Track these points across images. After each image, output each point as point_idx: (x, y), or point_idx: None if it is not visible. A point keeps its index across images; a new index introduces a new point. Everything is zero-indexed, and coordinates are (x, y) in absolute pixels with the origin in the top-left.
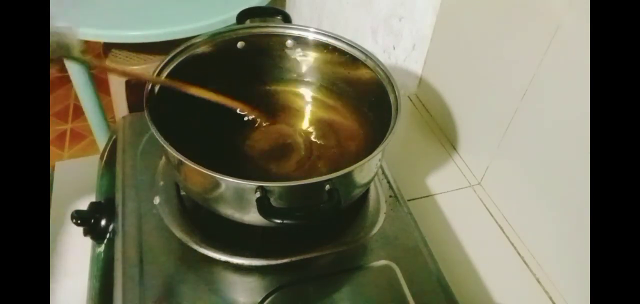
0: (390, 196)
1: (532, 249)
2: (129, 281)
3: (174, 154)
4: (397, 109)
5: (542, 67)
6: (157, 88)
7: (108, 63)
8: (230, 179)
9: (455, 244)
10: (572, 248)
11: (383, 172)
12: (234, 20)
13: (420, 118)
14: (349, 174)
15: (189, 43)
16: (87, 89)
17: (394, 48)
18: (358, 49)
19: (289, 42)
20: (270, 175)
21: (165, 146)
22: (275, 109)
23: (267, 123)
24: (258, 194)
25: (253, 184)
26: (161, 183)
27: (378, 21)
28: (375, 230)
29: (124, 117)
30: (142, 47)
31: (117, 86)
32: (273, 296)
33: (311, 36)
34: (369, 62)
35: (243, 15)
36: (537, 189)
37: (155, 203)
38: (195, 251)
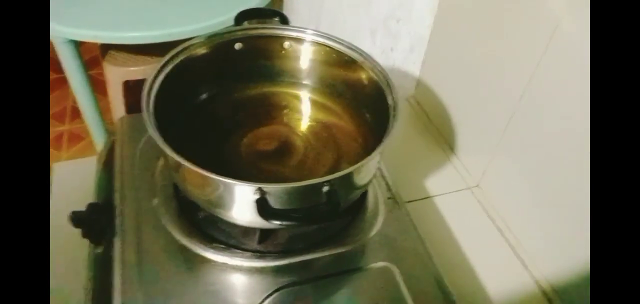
0: (389, 198)
1: (530, 251)
2: (128, 282)
3: (172, 155)
4: (394, 111)
5: (540, 68)
6: (155, 89)
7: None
8: (229, 181)
9: (453, 246)
10: (571, 249)
11: (381, 174)
12: (231, 22)
13: (418, 120)
14: (348, 175)
15: (186, 44)
16: (84, 90)
17: (392, 50)
18: (356, 51)
19: (287, 44)
20: (268, 177)
21: (163, 147)
22: (273, 111)
23: (265, 125)
24: (257, 196)
25: (252, 185)
26: (159, 184)
27: (376, 23)
28: (373, 232)
29: (121, 119)
30: (140, 49)
31: (115, 88)
32: (272, 297)
33: (309, 38)
34: (366, 64)
35: (241, 17)
36: (535, 191)
37: (153, 204)
38: (193, 252)
